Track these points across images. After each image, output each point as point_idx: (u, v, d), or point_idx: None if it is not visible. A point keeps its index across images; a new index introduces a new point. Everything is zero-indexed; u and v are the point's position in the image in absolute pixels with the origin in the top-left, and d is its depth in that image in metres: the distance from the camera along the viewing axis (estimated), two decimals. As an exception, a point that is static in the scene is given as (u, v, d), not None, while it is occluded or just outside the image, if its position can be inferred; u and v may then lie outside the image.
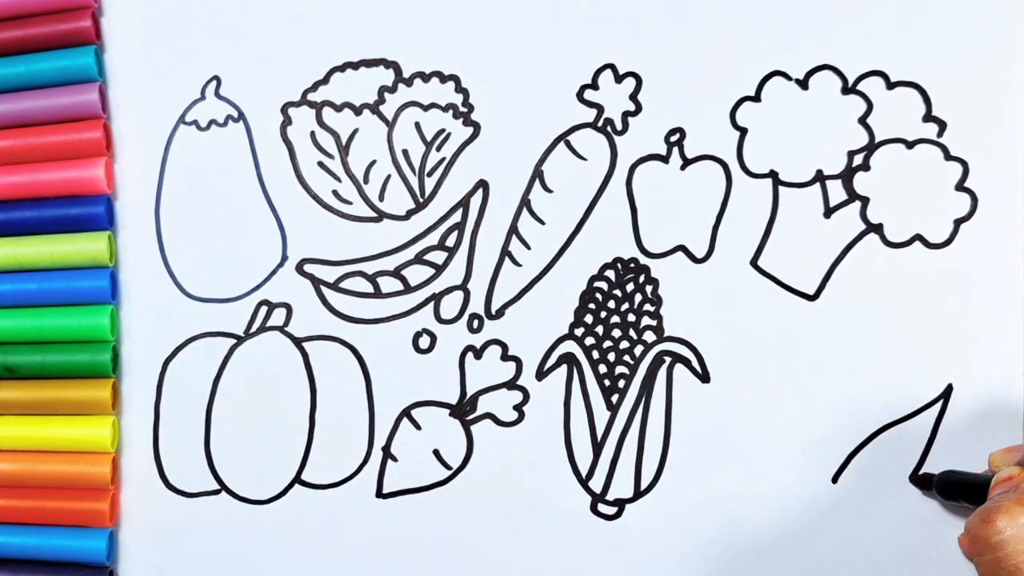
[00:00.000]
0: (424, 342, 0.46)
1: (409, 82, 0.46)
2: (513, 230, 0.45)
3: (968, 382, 0.42)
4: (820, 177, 0.43)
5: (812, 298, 0.43)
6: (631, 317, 0.44)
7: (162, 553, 0.47)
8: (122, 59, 0.48)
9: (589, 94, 0.45)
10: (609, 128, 0.45)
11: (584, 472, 0.44)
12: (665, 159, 0.44)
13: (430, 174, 0.46)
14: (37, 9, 0.47)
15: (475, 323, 0.45)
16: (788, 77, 0.43)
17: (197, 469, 0.47)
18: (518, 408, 0.45)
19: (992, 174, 0.42)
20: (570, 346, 0.45)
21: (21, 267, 0.47)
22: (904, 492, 0.42)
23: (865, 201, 0.43)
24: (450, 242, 0.46)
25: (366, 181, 0.46)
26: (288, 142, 0.47)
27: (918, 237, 0.42)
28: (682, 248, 0.44)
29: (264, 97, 0.47)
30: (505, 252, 0.45)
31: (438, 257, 0.46)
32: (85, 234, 0.47)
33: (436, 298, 0.46)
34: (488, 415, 0.45)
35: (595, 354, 0.44)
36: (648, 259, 0.44)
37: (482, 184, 0.46)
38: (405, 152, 0.46)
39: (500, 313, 0.45)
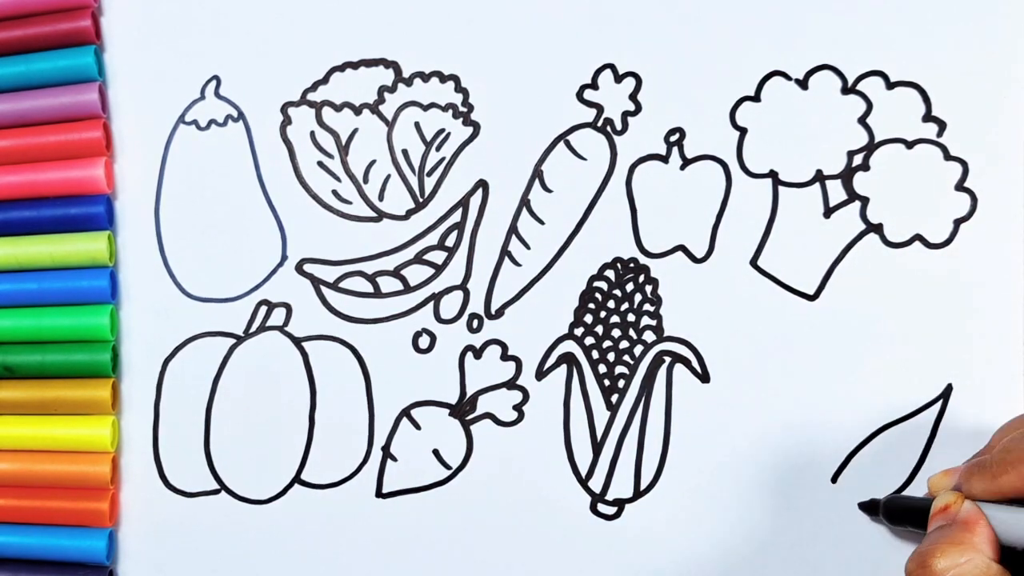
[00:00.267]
0: (424, 342, 0.46)
1: (409, 82, 0.46)
2: (513, 230, 0.45)
3: (968, 382, 0.42)
4: (820, 177, 0.43)
5: (812, 298, 0.43)
6: (631, 317, 0.44)
7: (162, 553, 0.47)
8: (122, 59, 0.48)
9: (589, 94, 0.45)
10: (609, 128, 0.45)
11: (584, 472, 0.44)
12: (665, 159, 0.44)
13: (430, 174, 0.46)
14: (37, 9, 0.47)
15: (475, 323, 0.45)
16: (788, 77, 0.43)
17: (197, 469, 0.47)
18: (518, 408, 0.45)
19: (992, 174, 0.42)
20: (570, 346, 0.45)
21: (21, 267, 0.47)
22: (904, 492, 0.42)
23: (865, 201, 0.43)
24: (450, 242, 0.46)
25: (366, 181, 0.46)
26: (288, 142, 0.47)
27: (918, 237, 0.42)
28: (682, 248, 0.44)
29: (264, 97, 0.47)
30: (505, 252, 0.45)
31: (438, 257, 0.46)
32: (85, 234, 0.47)
33: (436, 298, 0.46)
34: (488, 415, 0.45)
35: (595, 354, 0.44)
36: (648, 259, 0.44)
37: (482, 184, 0.46)
38: (405, 152, 0.46)
39: (500, 313, 0.45)
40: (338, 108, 0.46)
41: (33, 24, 0.47)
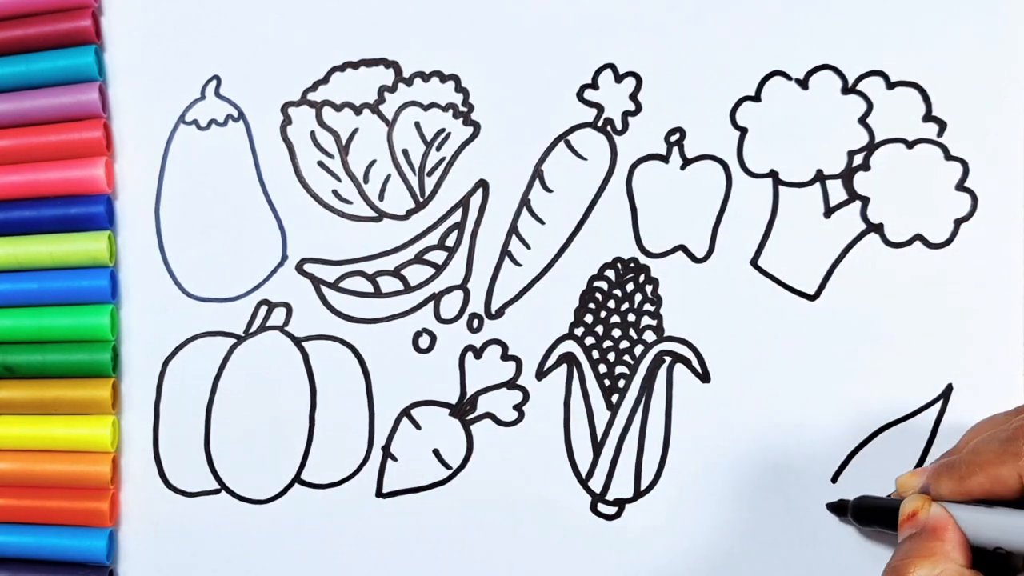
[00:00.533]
0: (424, 342, 0.46)
1: (409, 82, 0.46)
2: (513, 230, 0.45)
3: (968, 382, 0.42)
4: (820, 177, 0.43)
5: (812, 298, 0.43)
6: (631, 317, 0.44)
7: (162, 553, 0.47)
8: (122, 59, 0.48)
9: (589, 94, 0.45)
10: (609, 128, 0.45)
11: (584, 472, 0.44)
12: (665, 159, 0.44)
13: (430, 174, 0.46)
14: (37, 9, 0.47)
15: (475, 323, 0.45)
16: (788, 77, 0.43)
17: (197, 469, 0.47)
18: (518, 408, 0.45)
19: (992, 174, 0.42)
20: (570, 346, 0.45)
21: (21, 267, 0.47)
22: (904, 492, 0.42)
23: (865, 201, 0.43)
24: (450, 242, 0.46)
25: (366, 181, 0.46)
26: (288, 142, 0.47)
27: (918, 237, 0.42)
28: (682, 248, 0.44)
29: (264, 97, 0.47)
30: (505, 252, 0.45)
31: (438, 257, 0.46)
32: (85, 234, 0.47)
33: (436, 298, 0.46)
34: (488, 415, 0.45)
35: (595, 354, 0.44)
36: (648, 259, 0.44)
37: (482, 184, 0.46)
38: (405, 152, 0.46)
39: (500, 313, 0.45)
40: (338, 108, 0.46)
41: (33, 24, 0.47)
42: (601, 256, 0.45)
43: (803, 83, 0.43)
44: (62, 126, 0.47)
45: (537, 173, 0.45)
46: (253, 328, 0.47)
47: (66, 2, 0.47)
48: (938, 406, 0.42)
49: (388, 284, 0.46)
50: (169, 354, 0.47)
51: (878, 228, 0.42)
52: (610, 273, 0.44)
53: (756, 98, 0.44)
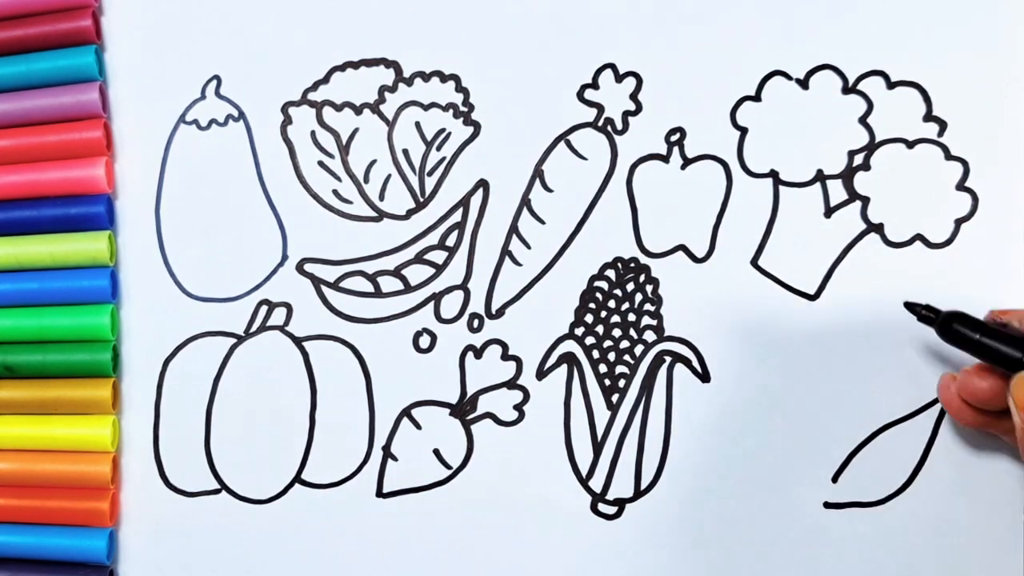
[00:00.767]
0: (424, 341, 0.46)
1: (409, 82, 0.46)
2: (513, 230, 0.45)
3: (968, 382, 0.42)
4: (820, 177, 0.43)
5: (812, 298, 0.43)
6: (631, 317, 0.44)
7: (162, 553, 0.47)
8: (122, 59, 0.48)
9: (589, 93, 0.45)
10: (609, 128, 0.45)
11: (584, 472, 0.44)
12: (665, 159, 0.44)
13: (430, 174, 0.46)
14: (37, 9, 0.47)
15: (475, 323, 0.45)
16: (788, 77, 0.43)
17: (197, 469, 0.47)
18: (518, 408, 0.45)
19: (992, 174, 0.42)
20: (570, 345, 0.45)
21: (21, 267, 0.47)
22: (904, 492, 0.42)
23: (865, 201, 0.43)
24: (450, 242, 0.46)
25: (366, 181, 0.46)
26: (288, 141, 0.47)
27: (919, 237, 0.42)
28: (682, 248, 0.44)
29: (264, 97, 0.47)
30: (505, 252, 0.45)
31: (438, 257, 0.46)
32: (85, 233, 0.47)
33: (436, 298, 0.46)
34: (488, 415, 0.45)
35: (595, 354, 0.44)
36: (648, 259, 0.44)
37: (482, 184, 0.46)
38: (405, 151, 0.46)
39: (500, 313, 0.45)
40: (339, 108, 0.46)
41: (33, 24, 0.47)
42: (601, 256, 0.45)
43: (803, 83, 0.43)
44: (62, 126, 0.47)
45: (537, 173, 0.45)
46: (253, 328, 0.47)
47: (66, 2, 0.47)
48: (938, 406, 0.42)
49: (388, 284, 0.46)
50: (169, 354, 0.47)
51: (878, 228, 0.42)
52: (610, 273, 0.44)
53: (756, 98, 0.44)
